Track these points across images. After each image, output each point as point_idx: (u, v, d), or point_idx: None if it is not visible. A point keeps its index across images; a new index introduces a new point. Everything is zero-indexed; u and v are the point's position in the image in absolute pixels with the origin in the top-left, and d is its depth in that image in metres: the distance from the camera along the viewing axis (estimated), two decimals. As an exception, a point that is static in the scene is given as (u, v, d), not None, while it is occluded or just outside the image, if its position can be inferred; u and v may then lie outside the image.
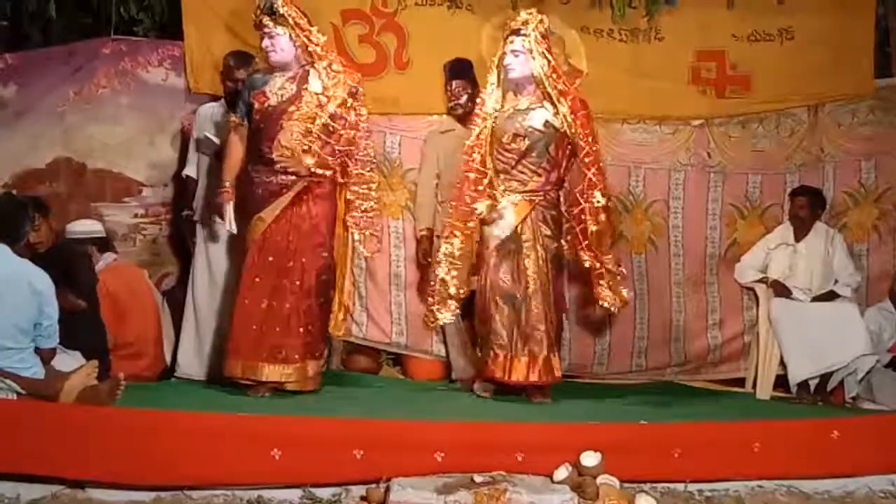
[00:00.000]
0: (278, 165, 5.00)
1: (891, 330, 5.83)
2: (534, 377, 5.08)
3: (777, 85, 6.08)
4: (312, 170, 5.02)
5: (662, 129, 6.15)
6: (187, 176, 5.65)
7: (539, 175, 5.13)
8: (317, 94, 5.04)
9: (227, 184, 5.09)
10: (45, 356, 4.28)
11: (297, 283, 5.04)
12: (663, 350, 6.12)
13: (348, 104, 5.10)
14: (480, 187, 5.15)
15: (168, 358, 5.57)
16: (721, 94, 6.09)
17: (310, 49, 5.05)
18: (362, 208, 5.28)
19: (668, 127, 6.15)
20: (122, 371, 4.37)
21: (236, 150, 5.13)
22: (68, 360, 4.43)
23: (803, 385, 5.75)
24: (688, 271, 6.14)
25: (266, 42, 5.02)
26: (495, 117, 5.17)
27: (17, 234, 4.30)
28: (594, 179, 5.08)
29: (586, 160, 5.09)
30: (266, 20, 4.98)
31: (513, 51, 5.09)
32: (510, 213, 5.10)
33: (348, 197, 5.24)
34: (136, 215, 5.92)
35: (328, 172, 5.07)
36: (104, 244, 5.43)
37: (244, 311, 5.00)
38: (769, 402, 5.74)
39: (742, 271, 6.11)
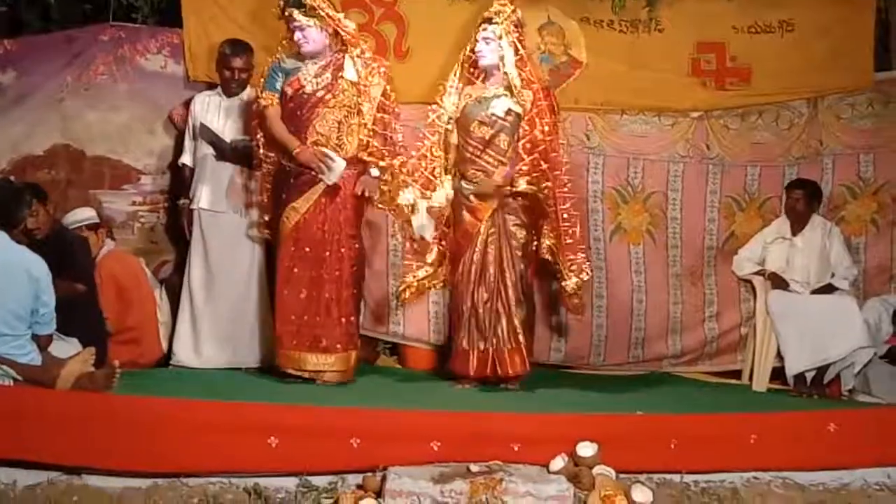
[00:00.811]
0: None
1: (889, 322, 5.84)
2: (498, 371, 5.13)
3: (777, 77, 6.07)
4: (358, 155, 5.05)
5: (662, 121, 6.15)
6: (183, 164, 5.64)
7: (504, 164, 5.16)
8: (353, 82, 5.10)
9: (298, 143, 5.04)
10: (42, 343, 4.28)
11: (337, 273, 5.09)
12: (660, 341, 6.12)
13: (388, 90, 5.19)
14: (436, 172, 5.23)
15: (165, 346, 5.57)
16: (721, 86, 6.08)
17: (342, 36, 5.11)
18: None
19: (668, 118, 6.14)
20: (120, 358, 4.39)
21: (279, 122, 5.10)
22: (65, 347, 4.43)
23: (800, 377, 5.76)
24: (685, 263, 6.14)
25: (298, 35, 5.05)
26: (463, 105, 5.22)
27: (14, 220, 4.30)
28: (528, 168, 5.13)
29: (537, 149, 5.11)
30: (296, 13, 5.00)
31: (484, 38, 5.16)
32: (422, 209, 5.10)
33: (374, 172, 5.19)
34: (133, 203, 5.90)
35: (369, 158, 5.08)
36: (109, 230, 5.43)
37: (284, 303, 5.07)
38: (765, 395, 5.75)
39: (739, 264, 6.11)
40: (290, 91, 5.10)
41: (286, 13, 5.03)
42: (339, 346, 5.09)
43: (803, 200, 5.94)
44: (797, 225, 5.98)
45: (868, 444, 4.32)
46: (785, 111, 6.15)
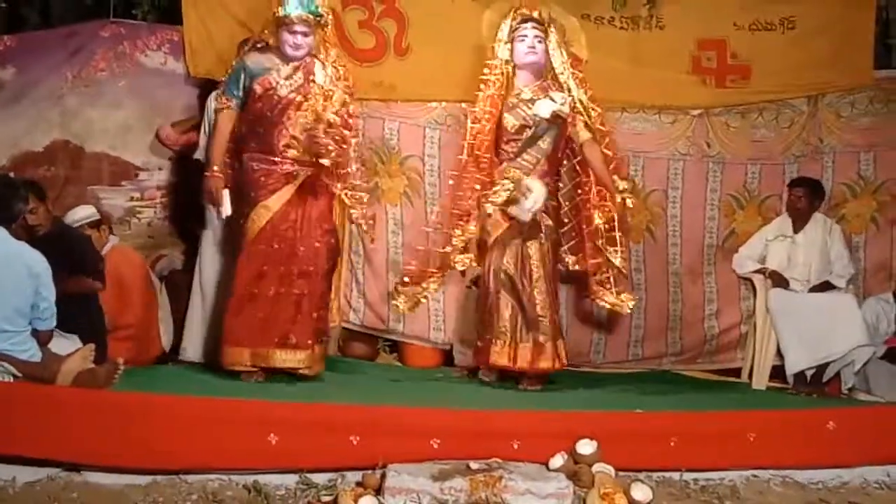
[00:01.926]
0: (287, 154, 5.01)
1: (888, 321, 5.84)
2: (545, 364, 5.14)
3: (777, 75, 6.06)
4: (322, 160, 5.00)
5: (662, 118, 6.14)
6: (198, 160, 5.61)
7: (541, 164, 5.14)
8: (322, 87, 5.07)
9: (216, 168, 5.05)
10: (43, 338, 4.27)
11: (311, 268, 5.07)
12: (660, 339, 6.13)
13: (347, 102, 5.17)
14: (485, 174, 5.21)
15: (164, 342, 5.57)
16: (721, 84, 6.07)
17: (325, 42, 5.13)
18: (362, 202, 5.30)
19: (668, 116, 6.13)
20: (120, 354, 4.38)
21: (225, 132, 5.09)
22: (66, 344, 4.42)
23: (800, 376, 5.76)
24: (685, 261, 6.14)
25: (294, 39, 5.01)
26: (501, 106, 5.20)
27: (13, 215, 4.29)
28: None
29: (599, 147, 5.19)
30: (306, 17, 4.98)
31: (536, 37, 5.18)
32: (537, 186, 5.10)
33: (345, 195, 5.25)
34: (131, 198, 5.90)
35: (326, 162, 5.03)
36: (110, 226, 5.43)
37: (251, 301, 5.00)
38: (765, 393, 5.75)
39: (740, 262, 6.11)
40: (259, 90, 5.04)
41: (296, 18, 4.97)
42: (309, 341, 5.05)
43: (805, 199, 5.94)
44: (798, 223, 5.98)
45: (867, 442, 4.32)
46: (785, 109, 6.14)
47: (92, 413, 3.85)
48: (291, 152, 5.03)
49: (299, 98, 5.04)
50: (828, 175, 6.16)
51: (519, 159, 5.18)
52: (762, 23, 6.03)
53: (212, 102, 5.50)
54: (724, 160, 6.16)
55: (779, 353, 5.82)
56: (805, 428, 4.39)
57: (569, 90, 5.19)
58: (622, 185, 5.25)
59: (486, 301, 5.22)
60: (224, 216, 5.12)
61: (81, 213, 5.34)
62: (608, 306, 5.49)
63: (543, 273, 5.13)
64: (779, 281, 5.91)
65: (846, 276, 5.91)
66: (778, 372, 5.84)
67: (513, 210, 5.14)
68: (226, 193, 5.05)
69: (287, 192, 5.04)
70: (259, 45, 5.16)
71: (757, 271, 6.04)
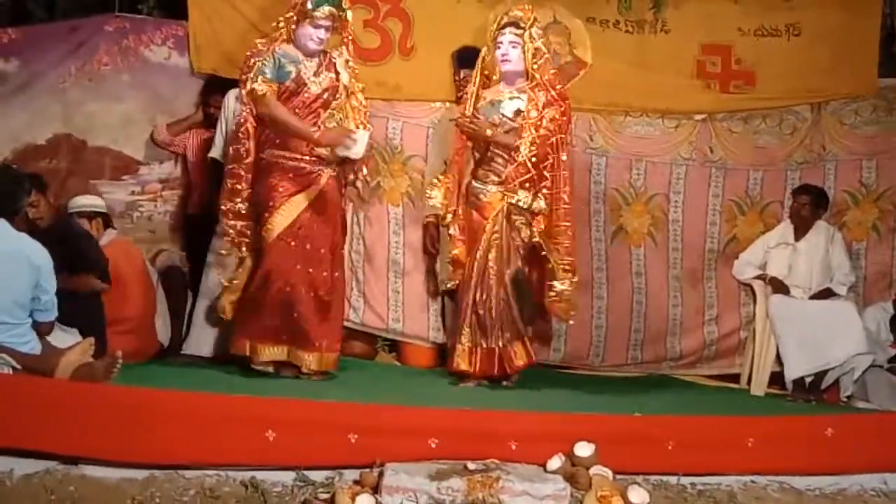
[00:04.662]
0: (315, 152, 4.99)
1: (887, 330, 5.84)
2: (497, 370, 5.12)
3: (781, 81, 6.07)
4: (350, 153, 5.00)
5: (665, 123, 6.15)
6: (212, 158, 5.60)
7: (511, 164, 5.13)
8: (345, 85, 5.09)
9: (315, 128, 4.97)
10: (44, 330, 4.27)
11: (337, 273, 5.09)
12: (659, 343, 6.13)
13: (360, 96, 5.19)
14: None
15: (162, 337, 5.56)
16: (725, 89, 6.08)
17: (346, 40, 5.12)
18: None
19: (671, 120, 6.14)
20: (119, 348, 4.37)
21: (282, 106, 4.95)
22: (65, 337, 4.42)
23: (798, 382, 5.76)
24: (686, 266, 6.15)
25: (316, 33, 4.97)
26: (477, 107, 5.20)
27: (14, 208, 4.28)
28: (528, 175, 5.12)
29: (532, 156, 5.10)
30: (333, 11, 4.96)
31: (511, 42, 5.14)
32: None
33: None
34: (132, 192, 5.90)
35: (356, 154, 5.02)
36: (106, 220, 5.43)
37: (276, 299, 4.96)
38: (763, 399, 5.75)
39: (740, 268, 6.11)
40: (292, 86, 5.00)
41: (319, 8, 4.93)
42: (336, 344, 5.09)
43: (809, 206, 5.94)
44: (801, 230, 5.98)
45: (865, 449, 4.31)
46: (788, 115, 6.16)
47: (90, 407, 3.83)
48: (318, 150, 5.00)
49: (327, 95, 5.04)
50: (830, 182, 6.17)
51: (493, 162, 5.18)
52: (767, 29, 6.04)
53: (229, 100, 5.47)
54: (726, 166, 6.17)
55: (778, 360, 5.82)
56: (803, 434, 4.38)
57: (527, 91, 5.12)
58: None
59: (459, 303, 5.26)
60: (363, 145, 4.99)
61: (86, 201, 5.33)
62: (556, 291, 5.26)
63: (502, 276, 5.10)
64: (779, 287, 5.91)
65: (847, 284, 5.92)
66: (777, 378, 5.85)
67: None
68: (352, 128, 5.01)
69: (313, 191, 5.01)
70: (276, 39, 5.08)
71: (757, 277, 6.04)
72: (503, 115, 5.16)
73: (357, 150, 4.99)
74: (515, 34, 5.12)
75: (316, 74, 5.04)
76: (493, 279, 5.13)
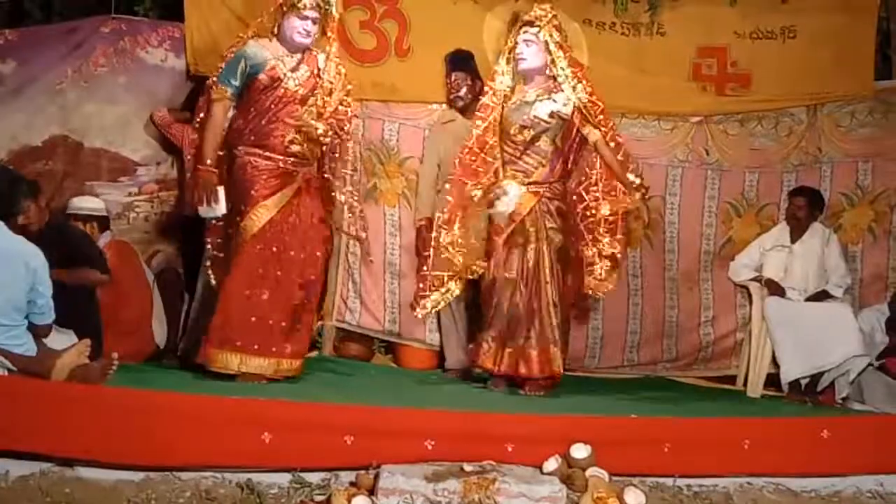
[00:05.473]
0: (290, 150, 4.93)
1: (882, 332, 5.84)
2: (524, 370, 5.08)
3: (777, 83, 6.06)
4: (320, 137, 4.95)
5: (661, 125, 6.15)
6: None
7: (544, 166, 5.15)
8: (330, 82, 5.02)
9: (210, 162, 4.87)
10: (40, 332, 4.26)
11: (312, 277, 4.99)
12: (655, 345, 6.14)
13: (346, 102, 5.14)
14: (484, 178, 5.17)
15: (158, 339, 5.55)
16: (721, 92, 6.07)
17: (328, 35, 5.04)
18: (356, 211, 5.31)
19: (667, 122, 6.14)
20: (115, 350, 4.36)
21: (220, 124, 4.91)
22: (61, 338, 4.41)
23: (794, 384, 5.76)
24: (682, 267, 6.15)
25: (303, 26, 4.91)
26: (502, 108, 5.18)
27: (11, 210, 4.28)
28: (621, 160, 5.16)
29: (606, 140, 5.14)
30: (319, 2, 4.91)
31: (525, 41, 5.13)
32: (513, 189, 5.08)
33: (339, 197, 5.21)
34: (129, 194, 5.89)
35: (321, 130, 4.97)
36: (103, 223, 5.42)
37: (245, 303, 4.85)
38: (759, 400, 5.75)
39: (736, 270, 6.12)
40: (265, 80, 4.89)
41: (308, 2, 4.88)
42: (303, 350, 5.02)
43: (806, 208, 5.94)
44: (797, 232, 5.98)
45: (861, 451, 4.32)
46: (784, 118, 6.15)
47: (86, 408, 3.83)
48: (294, 148, 4.93)
49: (304, 91, 4.96)
50: (826, 184, 6.17)
51: (520, 161, 5.17)
52: (763, 31, 6.04)
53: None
54: (722, 168, 6.17)
55: (774, 362, 5.82)
56: (799, 436, 4.38)
57: (573, 89, 5.12)
58: (637, 180, 5.21)
59: (485, 303, 5.19)
60: (218, 214, 4.95)
61: (85, 204, 5.33)
62: (590, 291, 5.27)
63: (542, 279, 5.10)
64: (775, 289, 5.91)
65: (843, 286, 5.92)
66: (773, 380, 5.84)
67: (491, 211, 5.12)
68: (220, 190, 4.89)
69: (288, 192, 4.91)
70: (256, 35, 5.04)
71: (753, 279, 6.04)
72: (536, 117, 5.14)
73: (207, 212, 4.89)
74: (530, 32, 5.13)
75: (294, 70, 4.95)
76: (531, 279, 5.09)
